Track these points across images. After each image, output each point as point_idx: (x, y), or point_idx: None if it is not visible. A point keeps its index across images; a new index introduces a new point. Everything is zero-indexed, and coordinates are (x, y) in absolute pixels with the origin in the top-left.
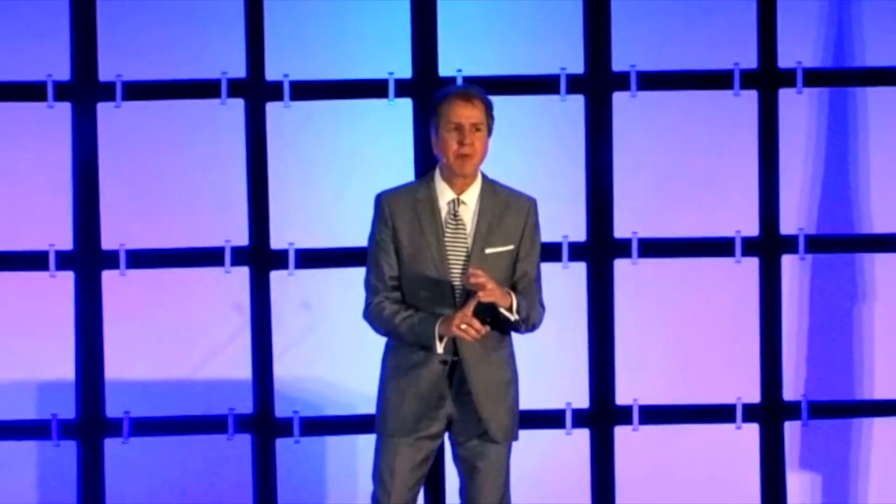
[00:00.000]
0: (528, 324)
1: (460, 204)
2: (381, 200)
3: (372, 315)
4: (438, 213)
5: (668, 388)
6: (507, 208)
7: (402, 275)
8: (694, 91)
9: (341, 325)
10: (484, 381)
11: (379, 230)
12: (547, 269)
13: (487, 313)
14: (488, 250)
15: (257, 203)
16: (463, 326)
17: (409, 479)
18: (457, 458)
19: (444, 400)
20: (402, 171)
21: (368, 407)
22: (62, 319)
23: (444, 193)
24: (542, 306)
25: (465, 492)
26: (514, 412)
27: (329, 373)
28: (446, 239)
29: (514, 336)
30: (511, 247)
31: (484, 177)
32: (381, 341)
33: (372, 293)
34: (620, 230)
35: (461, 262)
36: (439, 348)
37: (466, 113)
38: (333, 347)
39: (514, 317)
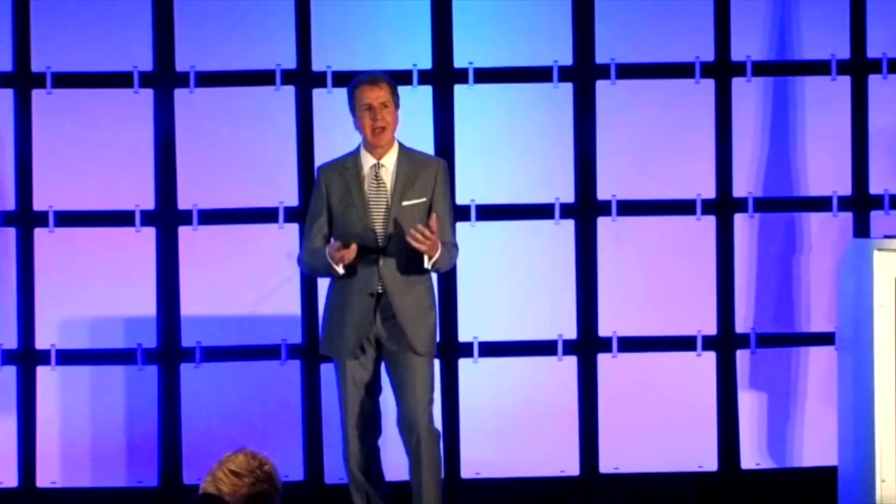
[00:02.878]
0: (443, 267)
1: (381, 167)
2: (321, 170)
3: (301, 260)
4: (363, 177)
5: (642, 322)
6: (421, 169)
7: (335, 228)
8: (663, 79)
9: None
10: (406, 306)
11: (316, 194)
12: (541, 225)
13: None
14: (405, 203)
15: (305, 172)
16: (336, 255)
17: (359, 395)
18: (390, 376)
19: (374, 324)
20: (423, 147)
21: None
22: (145, 267)
23: (367, 160)
24: (456, 246)
25: (398, 412)
26: (433, 333)
27: None
28: (370, 196)
29: (514, 276)
30: (424, 199)
31: (400, 145)
32: None
33: (303, 248)
34: (602, 193)
35: (382, 213)
36: (338, 269)
37: (374, 94)
38: None
39: (427, 265)
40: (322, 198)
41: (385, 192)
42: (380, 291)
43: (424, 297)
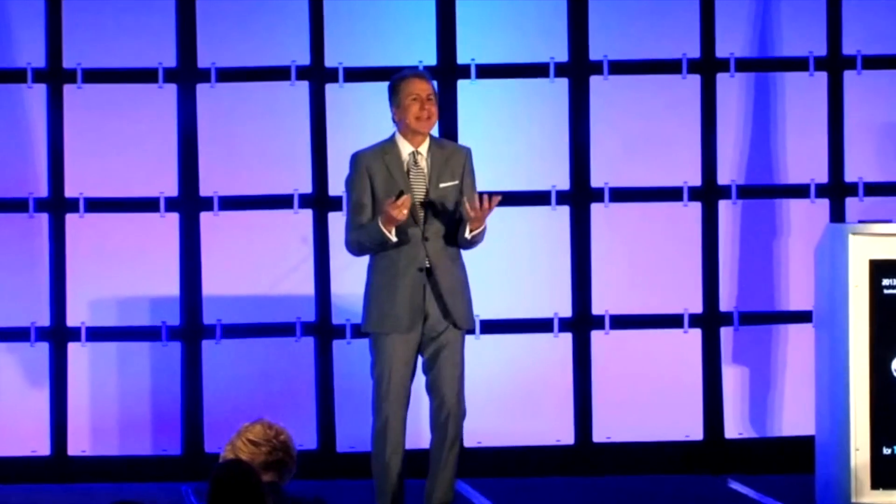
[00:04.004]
0: (478, 242)
1: (418, 154)
2: (358, 157)
3: (351, 241)
4: (403, 162)
5: (632, 301)
6: (451, 155)
7: (377, 213)
8: (652, 75)
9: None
10: (450, 281)
11: (357, 179)
12: (538, 211)
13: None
14: (441, 185)
15: (318, 161)
16: (391, 208)
17: (403, 374)
18: (424, 353)
19: (425, 300)
20: None
21: None
22: (169, 250)
23: (405, 148)
24: (484, 228)
25: (430, 383)
26: (470, 306)
27: None
28: (411, 179)
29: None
30: (456, 182)
31: (430, 135)
32: None
33: (352, 228)
34: (596, 181)
35: (423, 196)
36: (391, 236)
37: (422, 86)
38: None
39: (469, 236)
40: (364, 183)
41: (423, 177)
42: (428, 266)
43: (462, 273)
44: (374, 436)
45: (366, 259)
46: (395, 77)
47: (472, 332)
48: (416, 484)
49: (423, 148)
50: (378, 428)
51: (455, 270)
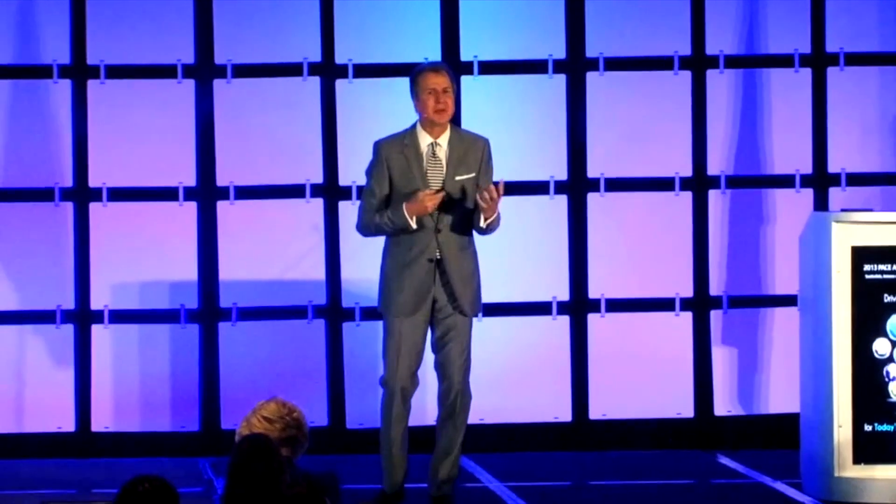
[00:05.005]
0: (493, 230)
1: (437, 146)
2: (379, 146)
3: (363, 224)
4: (421, 153)
5: (627, 285)
6: (470, 147)
7: (395, 200)
8: (645, 71)
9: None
10: (458, 270)
11: (376, 166)
12: (537, 200)
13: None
14: (457, 178)
15: (328, 153)
16: (427, 200)
17: (411, 353)
18: (434, 334)
19: (432, 288)
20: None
21: None
22: (188, 237)
23: (425, 139)
24: (498, 215)
25: (438, 364)
26: (478, 294)
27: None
28: (427, 170)
29: (513, 246)
30: (473, 174)
31: (451, 125)
32: None
33: (364, 210)
34: (592, 172)
35: (439, 186)
36: (412, 224)
37: (438, 80)
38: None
39: (483, 224)
40: (382, 170)
41: (440, 168)
42: (438, 258)
43: (472, 262)
44: (382, 410)
45: (376, 243)
46: (414, 70)
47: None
48: (421, 459)
49: (443, 139)
50: (385, 402)
51: (464, 260)
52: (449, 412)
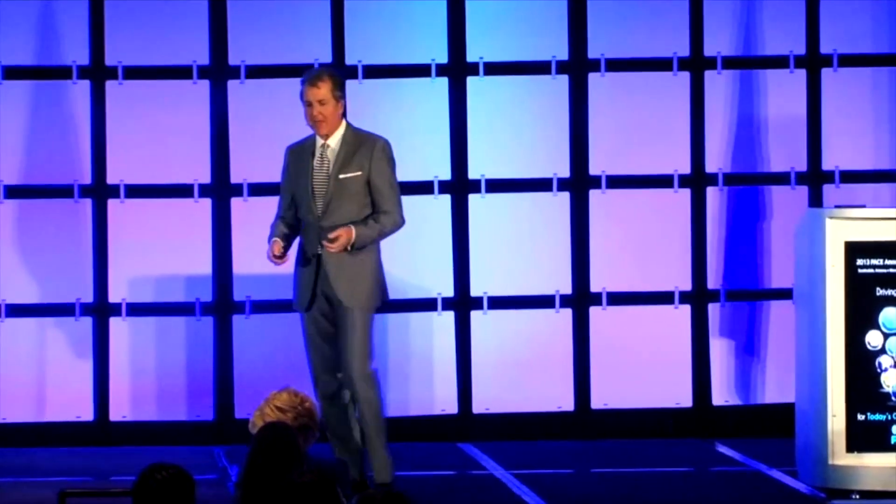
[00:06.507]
0: (369, 242)
1: (326, 147)
2: (287, 151)
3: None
4: (311, 154)
5: (628, 279)
6: (360, 146)
7: (294, 199)
8: (645, 72)
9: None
10: (339, 267)
11: (283, 171)
12: (541, 196)
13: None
14: (341, 176)
15: None
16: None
17: (315, 346)
18: (326, 327)
19: (317, 283)
20: (440, 132)
21: (416, 292)
22: (203, 232)
23: (318, 140)
24: (392, 214)
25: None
26: (371, 289)
27: (390, 266)
28: (314, 170)
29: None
30: (360, 172)
31: (348, 125)
32: None
33: (277, 212)
34: (594, 169)
35: (324, 185)
36: (272, 259)
37: (312, 93)
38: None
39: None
40: (286, 173)
41: (327, 168)
42: (318, 253)
43: (363, 259)
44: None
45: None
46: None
47: (374, 309)
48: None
49: (334, 139)
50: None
51: (346, 256)
52: (354, 399)
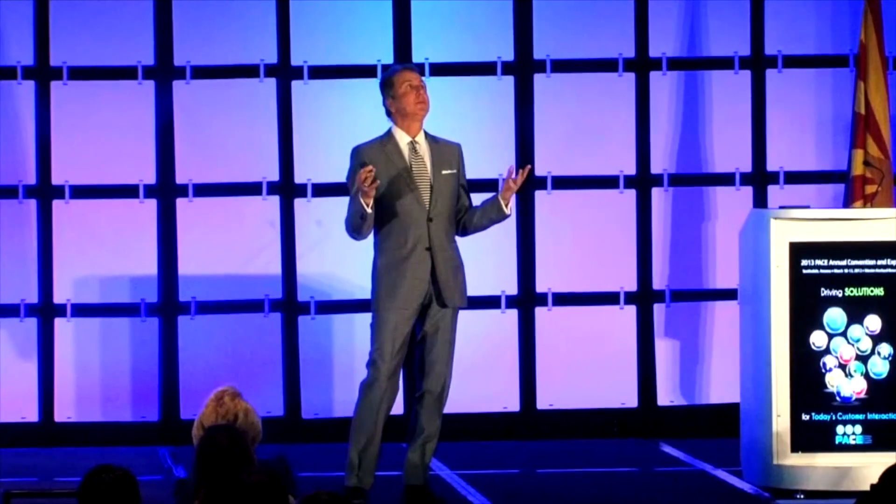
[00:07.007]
0: (475, 230)
1: (416, 143)
2: (358, 150)
3: (346, 226)
4: (402, 150)
5: (573, 280)
6: (445, 148)
7: (382, 198)
8: (591, 73)
9: (344, 237)
10: (447, 263)
11: (356, 170)
12: (486, 197)
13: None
14: (444, 172)
15: (284, 152)
16: (361, 174)
17: (400, 344)
18: (420, 329)
19: (428, 277)
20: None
21: (363, 294)
22: (148, 233)
23: (403, 138)
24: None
25: (421, 360)
26: (465, 286)
27: (337, 269)
28: (412, 164)
29: (464, 243)
30: (455, 171)
31: (423, 129)
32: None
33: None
34: (539, 170)
35: (426, 181)
36: (368, 208)
37: (415, 77)
38: (338, 252)
39: (507, 210)
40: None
41: (424, 164)
42: (428, 247)
43: (456, 255)
44: (364, 388)
45: (333, 240)
46: (386, 72)
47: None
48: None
49: (420, 138)
50: (369, 382)
51: (451, 252)
52: (436, 405)
